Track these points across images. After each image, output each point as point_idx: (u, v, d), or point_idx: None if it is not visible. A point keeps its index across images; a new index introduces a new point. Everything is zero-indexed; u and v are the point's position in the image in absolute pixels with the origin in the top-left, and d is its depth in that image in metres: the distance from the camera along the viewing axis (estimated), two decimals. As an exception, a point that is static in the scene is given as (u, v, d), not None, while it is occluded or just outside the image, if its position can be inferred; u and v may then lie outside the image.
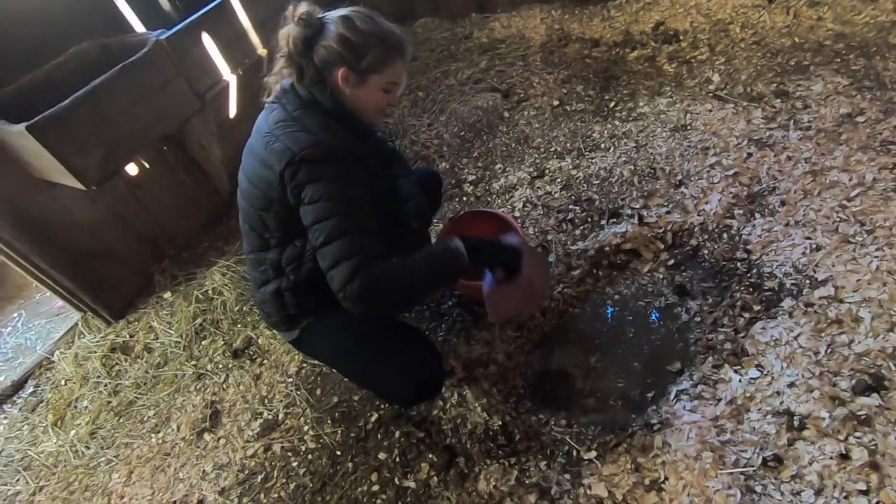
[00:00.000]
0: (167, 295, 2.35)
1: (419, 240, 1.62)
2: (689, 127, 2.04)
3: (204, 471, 1.64)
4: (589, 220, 1.91)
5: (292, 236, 1.24)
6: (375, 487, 1.44)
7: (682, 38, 2.43)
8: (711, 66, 2.24)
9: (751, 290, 1.53)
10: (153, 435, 1.82)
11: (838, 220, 1.54)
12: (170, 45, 1.85)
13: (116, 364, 2.15)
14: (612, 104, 2.31)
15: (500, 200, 2.13)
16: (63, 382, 2.17)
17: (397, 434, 1.54)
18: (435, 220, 2.14)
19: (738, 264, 1.60)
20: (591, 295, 1.74)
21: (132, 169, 2.28)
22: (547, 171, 2.15)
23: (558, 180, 2.09)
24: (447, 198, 2.24)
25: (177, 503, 1.58)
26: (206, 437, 1.75)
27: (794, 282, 1.48)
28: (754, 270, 1.56)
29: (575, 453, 1.39)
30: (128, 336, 2.25)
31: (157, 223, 2.42)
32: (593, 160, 2.11)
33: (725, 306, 1.53)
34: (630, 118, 2.21)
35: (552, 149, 2.24)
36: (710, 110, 2.06)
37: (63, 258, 2.12)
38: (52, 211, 2.02)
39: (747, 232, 1.65)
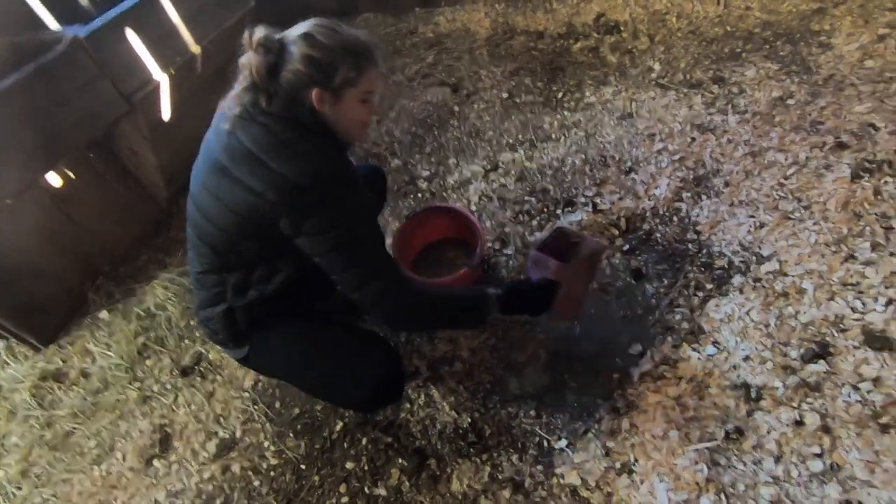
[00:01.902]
0: (103, 314, 2.17)
1: None
2: (634, 115, 2.09)
3: (156, 501, 1.52)
4: (545, 210, 1.92)
5: (267, 259, 1.16)
6: (345, 499, 1.38)
7: (622, 28, 2.49)
8: (652, 56, 2.31)
9: (703, 269, 1.58)
10: (95, 467, 1.67)
11: (777, 197, 1.61)
12: (89, 43, 1.70)
13: (49, 394, 1.96)
14: (560, 95, 2.33)
15: (455, 195, 2.10)
16: (-14, 419, 1.96)
17: (364, 441, 1.49)
18: (390, 218, 2.09)
19: (689, 245, 1.65)
20: (551, 284, 1.75)
21: (55, 180, 2.09)
22: (501, 164, 2.14)
23: (512, 172, 2.09)
24: (401, 195, 2.19)
25: (126, 539, 1.46)
26: (157, 463, 1.62)
27: (742, 259, 1.54)
28: (704, 250, 1.61)
29: (546, 443, 1.39)
30: (60, 362, 2.06)
31: (89, 237, 2.22)
32: (545, 151, 2.12)
33: (680, 287, 1.57)
34: (578, 108, 2.24)
35: (504, 141, 2.23)
36: (654, 98, 2.12)
37: (-17, 281, 1.91)
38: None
39: (696, 214, 1.70)
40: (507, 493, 1.30)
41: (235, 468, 1.53)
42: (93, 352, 2.06)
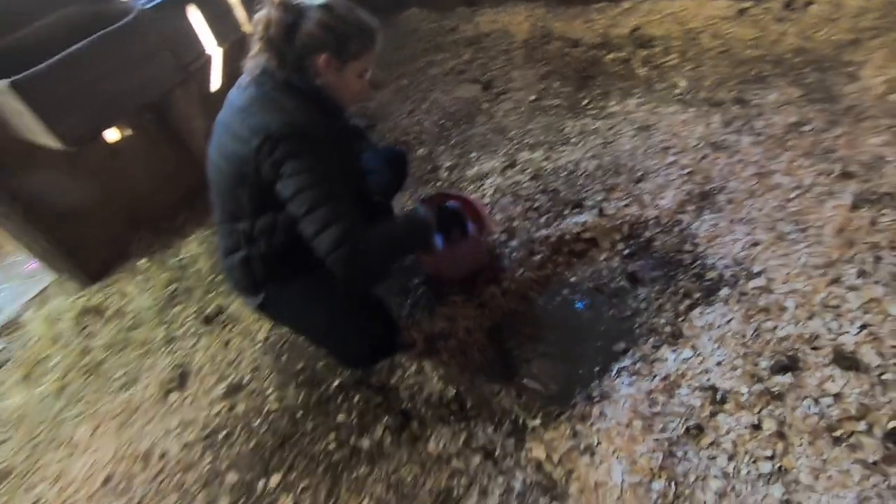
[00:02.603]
0: (142, 262, 2.40)
1: (381, 212, 1.71)
2: (653, 127, 2.15)
3: (169, 427, 1.71)
4: (553, 209, 2.01)
5: (264, 209, 1.30)
6: (332, 446, 1.52)
7: (656, 43, 2.55)
8: (680, 72, 2.36)
9: (694, 279, 1.64)
10: (121, 393, 1.87)
11: (777, 218, 1.66)
12: (154, 15, 1.89)
13: (88, 326, 2.19)
14: (586, 102, 2.41)
15: (472, 186, 2.22)
16: (32, 342, 2.20)
17: (357, 398, 1.62)
18: (406, 201, 2.22)
19: (685, 256, 1.71)
20: (551, 279, 1.84)
21: (113, 135, 2.31)
22: (518, 162, 2.24)
23: (528, 170, 2.19)
24: (423, 182, 2.32)
25: (140, 455, 1.64)
26: (173, 396, 1.81)
27: (732, 273, 1.60)
28: (699, 262, 1.68)
29: (521, 421, 1.49)
30: (101, 299, 2.29)
31: (136, 191, 2.45)
32: (563, 153, 2.21)
33: (670, 293, 1.64)
34: (600, 116, 2.31)
35: (525, 141, 2.33)
36: (674, 113, 2.17)
37: (41, 220, 2.15)
38: (31, 171, 2.05)
39: (696, 226, 1.76)
40: (477, 459, 1.41)
41: (240, 408, 1.69)
42: (129, 294, 2.27)
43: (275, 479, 1.48)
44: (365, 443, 1.51)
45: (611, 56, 2.60)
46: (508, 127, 2.43)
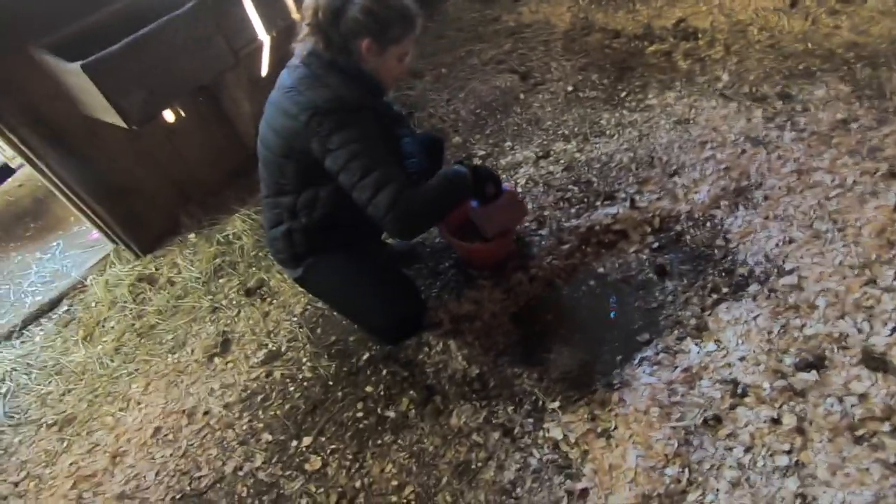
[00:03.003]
0: (191, 236, 2.56)
1: None
2: (691, 121, 2.13)
3: (212, 388, 1.84)
4: (585, 200, 2.03)
5: (308, 184, 1.40)
6: (360, 414, 1.62)
7: (700, 35, 2.50)
8: (723, 66, 2.31)
9: (723, 274, 1.64)
10: (170, 355, 2.03)
11: (814, 216, 1.63)
12: (212, 3, 2.01)
13: (142, 293, 2.36)
14: (624, 94, 2.40)
15: (505, 175, 2.25)
16: (93, 304, 2.39)
17: (384, 372, 1.71)
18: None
19: (716, 251, 1.71)
20: (578, 269, 1.87)
21: (169, 115, 2.46)
22: (552, 153, 2.26)
23: (562, 161, 2.21)
24: (456, 169, 2.37)
25: (185, 412, 1.78)
26: (216, 360, 1.95)
27: (763, 269, 1.59)
28: (729, 257, 1.67)
29: (541, 403, 1.54)
30: (153, 269, 2.46)
31: (188, 168, 2.61)
32: (597, 145, 2.21)
33: (698, 287, 1.64)
34: (638, 109, 2.30)
35: (560, 132, 2.35)
36: (714, 107, 2.14)
37: (102, 192, 2.33)
38: (95, 147, 2.22)
39: (729, 222, 1.75)
40: (496, 435, 1.48)
41: (277, 374, 1.81)
42: (179, 265, 2.43)
43: (306, 440, 1.59)
44: (391, 413, 1.60)
45: (652, 48, 2.57)
46: (544, 118, 2.45)
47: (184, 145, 2.56)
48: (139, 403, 1.87)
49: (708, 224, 1.79)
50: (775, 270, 1.57)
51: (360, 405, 1.64)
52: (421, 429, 1.54)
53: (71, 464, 1.73)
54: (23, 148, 2.12)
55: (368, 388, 1.68)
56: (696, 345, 1.49)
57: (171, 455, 1.66)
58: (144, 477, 1.62)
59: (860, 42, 2.17)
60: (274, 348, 1.91)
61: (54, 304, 2.51)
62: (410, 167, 1.72)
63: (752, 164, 1.87)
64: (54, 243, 2.99)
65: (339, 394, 1.69)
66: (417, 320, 1.57)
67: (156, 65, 1.95)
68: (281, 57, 2.45)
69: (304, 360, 1.83)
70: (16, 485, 1.72)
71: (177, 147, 2.55)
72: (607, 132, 2.25)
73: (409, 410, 1.59)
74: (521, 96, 2.61)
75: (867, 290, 1.41)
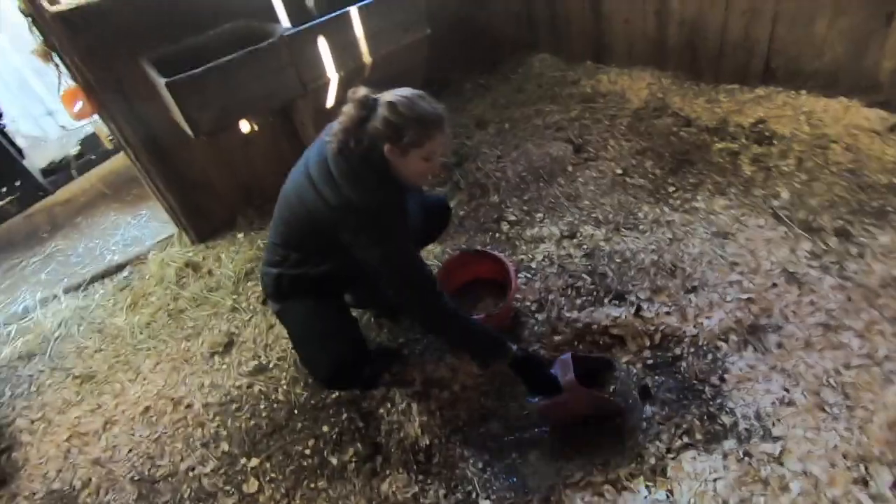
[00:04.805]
0: (240, 235, 2.82)
1: None
2: (731, 236, 1.97)
3: (202, 383, 2.02)
4: (593, 293, 1.95)
5: (321, 252, 1.54)
6: (307, 451, 1.70)
7: (776, 142, 2.29)
8: (788, 181, 2.10)
9: (705, 417, 1.50)
10: (184, 342, 2.25)
11: (825, 383, 1.44)
12: (290, 41, 2.23)
13: (185, 277, 2.65)
14: (672, 189, 2.27)
15: (525, 247, 2.23)
16: (146, 277, 2.72)
17: (344, 416, 1.77)
18: (463, 242, 2.31)
19: (707, 389, 1.57)
20: (563, 363, 1.80)
21: (245, 126, 2.75)
22: (578, 235, 2.20)
23: (585, 246, 2.14)
24: (482, 230, 2.39)
25: (174, 400, 1.98)
26: (216, 358, 2.13)
27: (747, 426, 1.43)
28: (718, 400, 1.53)
29: (473, 496, 1.51)
30: (201, 258, 2.74)
31: (255, 175, 2.89)
32: (626, 238, 2.12)
33: (673, 423, 1.52)
34: (681, 208, 2.17)
35: (594, 214, 2.28)
36: (761, 226, 1.96)
37: (176, 183, 2.66)
38: (177, 146, 2.54)
39: (732, 361, 1.60)
40: (417, 515, 1.48)
41: (256, 388, 1.95)
42: (222, 259, 2.69)
43: (254, 461, 1.70)
44: (333, 460, 1.66)
45: (720, 144, 2.40)
46: (583, 195, 2.39)
47: (255, 154, 2.85)
48: (144, 379, 2.11)
49: (709, 356, 1.64)
50: (760, 432, 1.41)
51: (311, 442, 1.72)
52: (353, 485, 1.58)
53: (75, 417, 1.99)
54: (119, 138, 2.50)
55: (325, 428, 1.75)
56: (647, 488, 1.39)
57: (146, 436, 1.85)
58: (119, 450, 1.82)
59: (960, 191, 1.87)
60: (264, 362, 2.05)
61: (120, 267, 2.90)
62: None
63: (778, 302, 1.69)
64: (143, 212, 3.44)
65: (299, 425, 1.79)
66: (353, 374, 1.67)
67: (231, 89, 2.20)
68: (345, 92, 2.64)
69: (283, 382, 1.95)
70: (32, 422, 2.02)
71: (248, 155, 2.84)
72: (640, 227, 2.15)
73: (350, 462, 1.64)
74: (569, 168, 2.56)
75: (852, 491, 1.22)
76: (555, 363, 1.60)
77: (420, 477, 1.57)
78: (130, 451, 1.81)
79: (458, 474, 1.57)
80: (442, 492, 1.53)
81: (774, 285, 1.74)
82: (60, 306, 2.69)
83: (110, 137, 2.72)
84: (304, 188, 1.46)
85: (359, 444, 1.68)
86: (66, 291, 2.80)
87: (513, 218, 2.40)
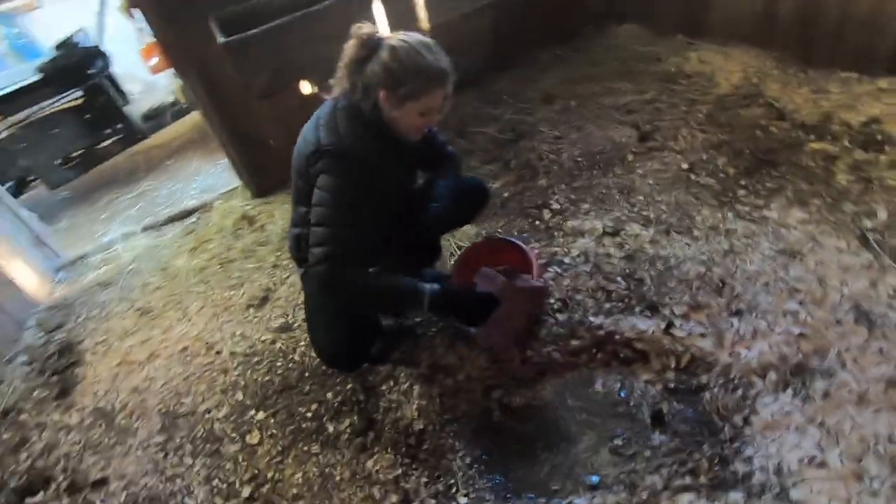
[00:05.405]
0: (294, 194, 2.93)
1: (425, 245, 1.78)
2: (800, 257, 1.68)
3: (234, 333, 2.17)
4: (625, 300, 1.79)
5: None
6: (309, 414, 1.76)
7: (887, 148, 1.89)
8: (891, 199, 1.74)
9: (716, 459, 1.34)
10: (229, 290, 2.42)
11: (871, 450, 1.21)
12: (345, 4, 2.20)
13: (240, 229, 2.82)
14: (742, 192, 1.98)
15: (562, 240, 2.09)
16: (209, 224, 2.94)
17: (349, 387, 1.81)
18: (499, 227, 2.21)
19: (728, 428, 1.39)
20: (576, 372, 1.69)
21: (307, 88, 2.80)
22: (623, 233, 2.01)
23: (627, 247, 1.96)
24: (523, 215, 2.27)
25: (207, 344, 2.14)
26: (251, 310, 2.27)
27: (763, 481, 1.25)
28: (737, 443, 1.35)
29: (454, 490, 1.49)
30: (257, 212, 2.90)
31: (311, 137, 2.96)
32: (674, 243, 1.90)
33: (678, 459, 1.37)
34: (747, 217, 1.89)
35: (645, 213, 2.06)
36: (841, 250, 1.65)
37: (238, 138, 2.80)
38: (241, 104, 2.65)
39: (763, 402, 1.39)
40: (394, 498, 1.49)
41: (277, 346, 2.05)
42: (275, 216, 2.83)
43: (261, 415, 1.80)
44: (329, 427, 1.71)
45: (815, 145, 2.04)
46: (639, 190, 2.17)
47: (311, 115, 2.90)
48: (189, 321, 2.30)
49: (739, 391, 1.45)
50: (776, 489, 1.23)
51: (314, 406, 1.79)
52: (341, 455, 1.62)
53: (128, 346, 2.24)
54: (190, 93, 2.66)
55: (329, 395, 1.81)
56: (631, 524, 1.28)
57: (179, 374, 2.03)
58: (156, 382, 2.02)
59: None
60: (290, 321, 2.15)
61: (190, 212, 3.15)
62: (431, 211, 1.73)
63: (838, 343, 1.43)
64: (221, 162, 3.69)
65: (307, 387, 1.86)
66: (356, 355, 1.68)
67: (285, 51, 2.24)
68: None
69: (302, 343, 2.03)
70: (96, 344, 2.30)
71: (306, 115, 2.88)
72: (694, 232, 1.91)
73: (344, 433, 1.68)
74: (630, 157, 2.33)
75: (871, 583, 1.03)
76: (476, 282, 1.53)
77: (406, 461, 1.58)
78: (164, 384, 2.00)
79: (444, 465, 1.56)
80: (424, 480, 1.52)
81: (838, 322, 1.47)
82: (138, 242, 3.00)
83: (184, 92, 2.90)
84: (308, 130, 1.47)
85: (355, 417, 1.71)
86: (145, 229, 3.12)
87: (557, 206, 2.25)
